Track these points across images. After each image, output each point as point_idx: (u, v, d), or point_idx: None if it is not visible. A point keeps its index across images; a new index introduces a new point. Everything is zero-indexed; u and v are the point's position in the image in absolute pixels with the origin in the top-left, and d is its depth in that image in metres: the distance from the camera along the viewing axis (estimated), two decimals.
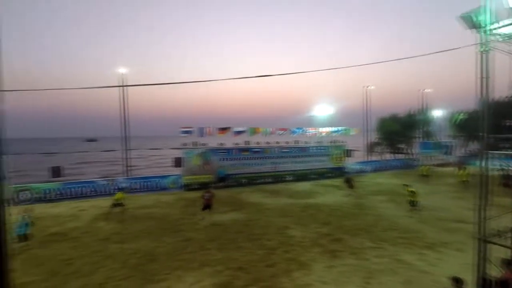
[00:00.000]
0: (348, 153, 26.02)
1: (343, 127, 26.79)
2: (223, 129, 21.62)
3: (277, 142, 23.12)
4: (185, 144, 20.37)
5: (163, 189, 19.49)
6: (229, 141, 22.11)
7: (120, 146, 24.02)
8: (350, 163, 26.22)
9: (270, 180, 22.13)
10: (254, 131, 22.46)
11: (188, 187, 19.81)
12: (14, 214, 10.46)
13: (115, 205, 13.82)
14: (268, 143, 22.92)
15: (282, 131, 23.54)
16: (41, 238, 10.74)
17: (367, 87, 32.52)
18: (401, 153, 33.27)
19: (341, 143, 25.80)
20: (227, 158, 21.03)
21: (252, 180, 21.52)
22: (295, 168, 23.15)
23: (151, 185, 19.37)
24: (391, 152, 33.79)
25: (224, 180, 20.32)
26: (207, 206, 12.91)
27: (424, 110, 33.41)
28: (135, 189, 18.93)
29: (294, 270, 7.93)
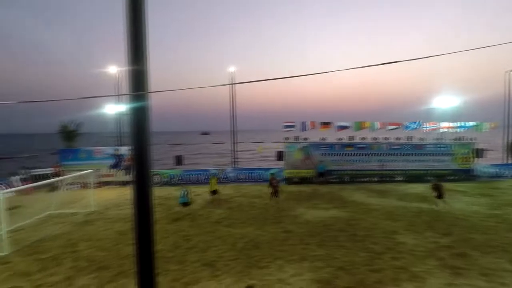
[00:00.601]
0: (478, 152, 21.63)
1: (473, 122, 22.40)
2: (326, 124, 21.12)
3: (386, 138, 21.15)
4: (287, 138, 20.79)
5: (266, 181, 20.39)
6: (332, 136, 21.50)
7: (228, 139, 26.35)
8: (482, 165, 21.78)
9: (376, 179, 20.50)
10: (359, 126, 21.14)
11: (289, 181, 20.22)
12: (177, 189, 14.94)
13: (213, 192, 15.12)
14: (375, 138, 21.21)
15: (393, 126, 21.35)
16: (167, 215, 12.77)
17: (510, 71, 26.20)
18: None
19: (470, 141, 21.66)
20: (329, 153, 20.46)
21: (356, 178, 20.36)
22: (407, 167, 20.74)
23: (254, 176, 20.58)
24: None
25: (323, 175, 19.88)
26: (276, 192, 14.46)
27: None
28: (241, 179, 20.46)
29: (404, 280, 7.12)
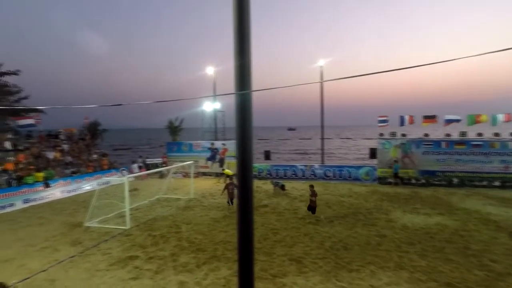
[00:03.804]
0: None
1: None
2: (429, 118, 18.55)
3: None
4: (381, 134, 19.11)
5: (356, 179, 19.25)
6: (437, 131, 18.86)
7: (315, 135, 25.77)
8: None
9: (497, 183, 17.03)
10: (474, 120, 17.86)
11: (383, 181, 18.60)
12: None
13: (227, 176, 16.20)
14: (497, 134, 17.64)
15: None
16: (256, 208, 13.26)
17: None
18: None
19: None
20: (433, 152, 17.95)
21: (468, 181, 17.34)
22: None
23: (344, 174, 19.59)
24: None
25: (397, 177, 17.68)
26: (232, 198, 12.91)
27: None
28: (329, 176, 19.77)
29: None
